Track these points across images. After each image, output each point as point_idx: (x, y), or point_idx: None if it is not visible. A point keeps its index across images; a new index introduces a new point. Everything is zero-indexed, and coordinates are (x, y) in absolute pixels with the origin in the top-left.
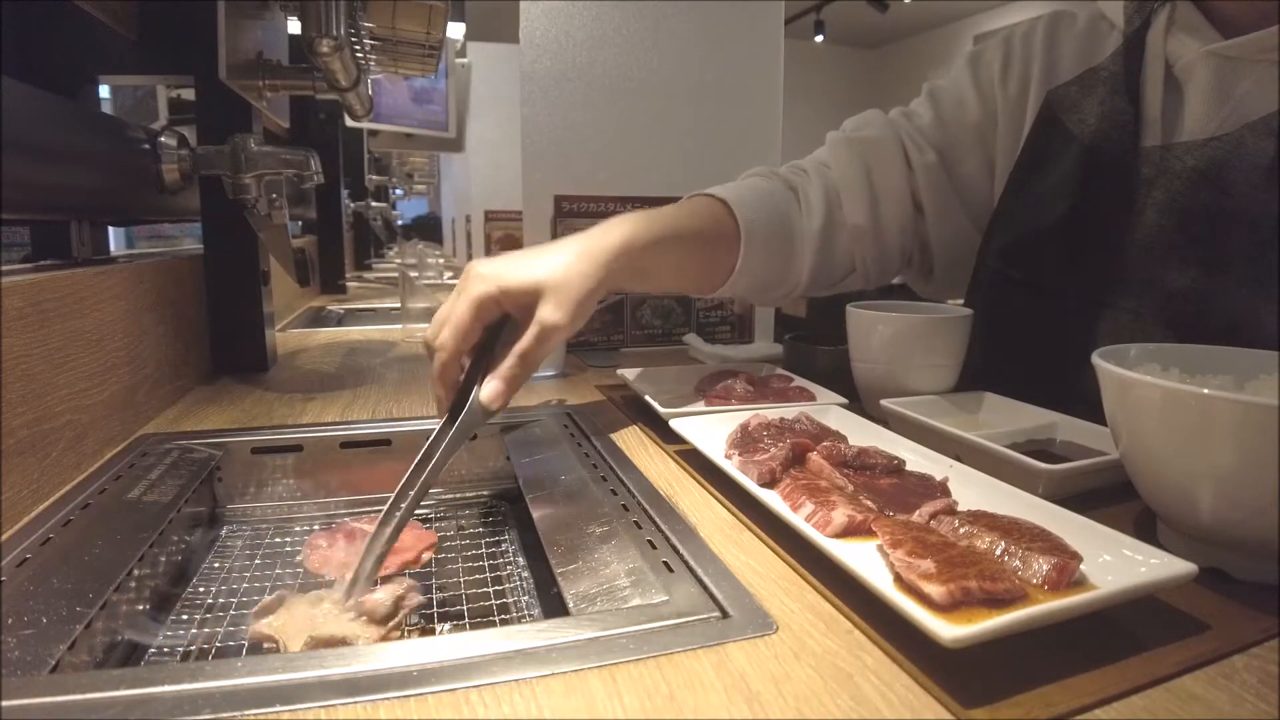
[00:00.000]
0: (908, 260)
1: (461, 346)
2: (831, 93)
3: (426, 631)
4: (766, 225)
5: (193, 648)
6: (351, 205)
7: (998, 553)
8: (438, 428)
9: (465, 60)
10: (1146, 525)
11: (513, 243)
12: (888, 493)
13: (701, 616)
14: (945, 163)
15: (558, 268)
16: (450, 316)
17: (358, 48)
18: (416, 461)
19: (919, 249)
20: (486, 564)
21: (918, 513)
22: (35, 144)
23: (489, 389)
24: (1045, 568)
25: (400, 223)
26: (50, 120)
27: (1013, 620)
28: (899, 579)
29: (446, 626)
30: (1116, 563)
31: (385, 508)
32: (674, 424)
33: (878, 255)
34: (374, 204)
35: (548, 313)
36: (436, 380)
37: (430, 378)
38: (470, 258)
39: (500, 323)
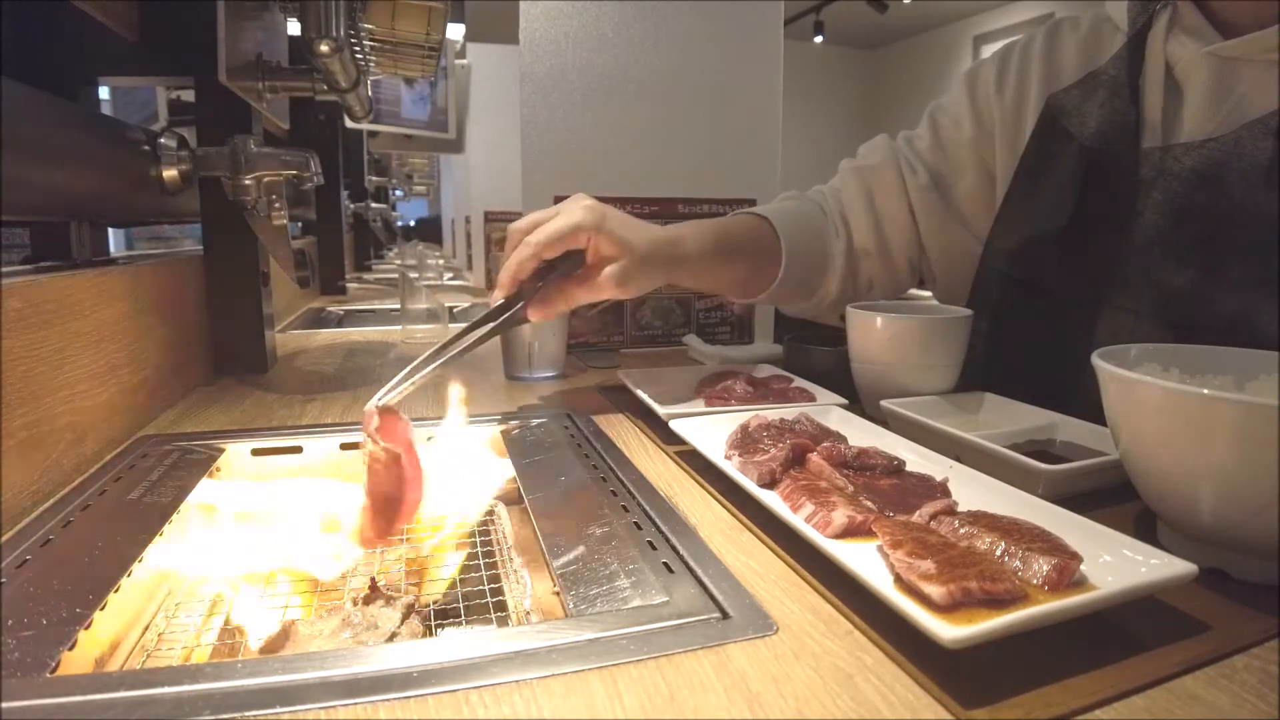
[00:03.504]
0: (918, 271)
1: (544, 254)
2: (831, 93)
3: (426, 632)
4: (803, 243)
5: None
6: (351, 206)
7: (998, 553)
8: (487, 312)
9: (465, 61)
10: (1146, 525)
11: None
12: (888, 493)
13: (701, 617)
14: (939, 182)
15: (651, 257)
16: (550, 224)
17: (357, 49)
18: (456, 335)
19: (925, 260)
20: (484, 564)
21: (918, 513)
22: (35, 144)
23: (537, 311)
24: (1045, 568)
25: (402, 224)
26: (50, 121)
27: (1013, 621)
28: (899, 579)
29: (446, 627)
30: (1116, 563)
31: (424, 356)
32: (674, 425)
33: (888, 273)
34: (374, 205)
35: (616, 289)
36: (511, 270)
37: (506, 264)
38: (470, 259)
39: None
